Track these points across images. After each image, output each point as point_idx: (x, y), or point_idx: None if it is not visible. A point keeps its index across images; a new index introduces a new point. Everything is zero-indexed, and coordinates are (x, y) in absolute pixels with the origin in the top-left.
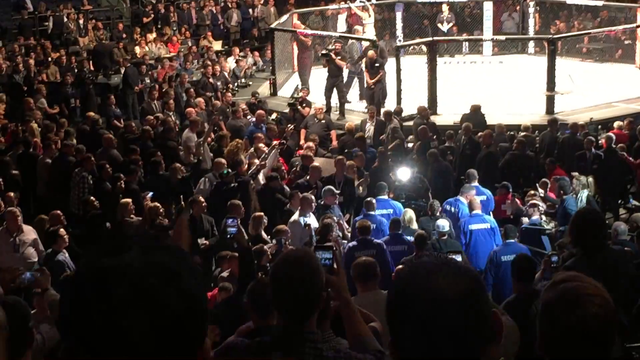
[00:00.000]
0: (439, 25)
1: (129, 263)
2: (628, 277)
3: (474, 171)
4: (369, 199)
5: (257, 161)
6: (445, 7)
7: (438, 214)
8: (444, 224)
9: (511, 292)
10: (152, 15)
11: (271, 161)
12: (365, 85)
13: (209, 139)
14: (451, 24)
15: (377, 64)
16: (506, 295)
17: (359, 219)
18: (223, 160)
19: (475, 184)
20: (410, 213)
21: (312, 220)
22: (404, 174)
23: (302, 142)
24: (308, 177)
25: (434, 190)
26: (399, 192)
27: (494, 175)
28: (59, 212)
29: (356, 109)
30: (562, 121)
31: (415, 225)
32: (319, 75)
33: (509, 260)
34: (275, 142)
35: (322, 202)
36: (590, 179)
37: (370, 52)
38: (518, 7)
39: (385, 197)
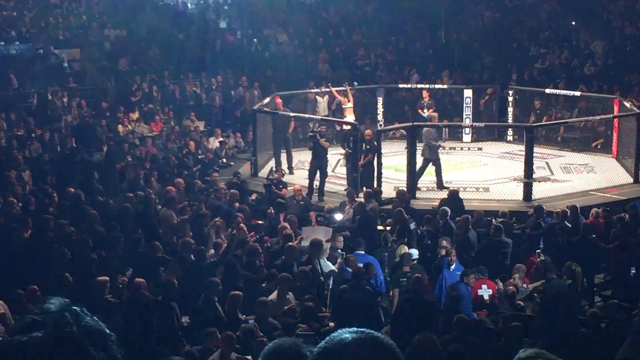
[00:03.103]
0: (420, 111)
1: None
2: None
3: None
4: (349, 255)
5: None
6: (425, 94)
7: (389, 244)
8: (414, 252)
9: None
10: (139, 95)
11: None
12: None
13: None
14: (431, 110)
15: (368, 146)
16: None
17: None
18: (192, 241)
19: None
20: (405, 248)
21: (292, 300)
22: (338, 216)
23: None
24: (284, 257)
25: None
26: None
27: (468, 261)
28: (35, 287)
29: (336, 191)
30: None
31: (412, 262)
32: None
33: None
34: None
35: (299, 285)
36: (579, 269)
37: (368, 131)
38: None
39: (362, 252)
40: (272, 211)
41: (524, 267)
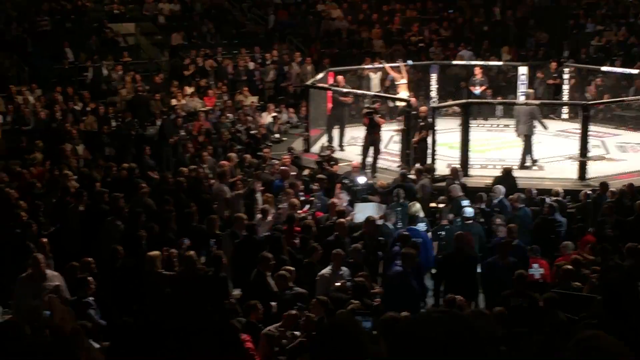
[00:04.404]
0: (471, 88)
1: None
2: None
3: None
4: (405, 233)
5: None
6: (477, 71)
7: (402, 200)
8: (470, 210)
9: None
10: (193, 69)
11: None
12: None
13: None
14: (483, 88)
15: (422, 123)
16: None
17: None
18: (244, 216)
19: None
20: (417, 205)
21: (346, 276)
22: (361, 179)
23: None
24: (336, 233)
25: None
26: (359, 194)
27: (524, 239)
28: (90, 259)
29: (389, 167)
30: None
31: (422, 214)
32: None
33: None
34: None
35: (351, 261)
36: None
37: (423, 108)
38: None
39: (417, 227)
40: (317, 187)
41: (571, 245)
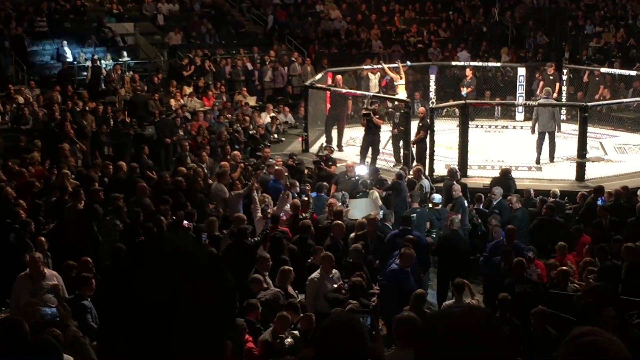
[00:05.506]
0: (461, 89)
1: None
2: None
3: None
4: (407, 242)
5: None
6: (468, 72)
7: (368, 189)
8: (438, 197)
9: None
10: (191, 68)
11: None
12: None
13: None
14: (470, 89)
15: (421, 123)
16: None
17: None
18: (243, 216)
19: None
20: (375, 193)
21: (336, 277)
22: (361, 169)
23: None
24: (332, 234)
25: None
26: (360, 184)
27: (521, 240)
28: (88, 259)
29: (388, 168)
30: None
31: (380, 202)
32: (353, 133)
33: None
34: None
35: (350, 260)
36: None
37: (421, 109)
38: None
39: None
40: (309, 188)
41: (564, 245)
